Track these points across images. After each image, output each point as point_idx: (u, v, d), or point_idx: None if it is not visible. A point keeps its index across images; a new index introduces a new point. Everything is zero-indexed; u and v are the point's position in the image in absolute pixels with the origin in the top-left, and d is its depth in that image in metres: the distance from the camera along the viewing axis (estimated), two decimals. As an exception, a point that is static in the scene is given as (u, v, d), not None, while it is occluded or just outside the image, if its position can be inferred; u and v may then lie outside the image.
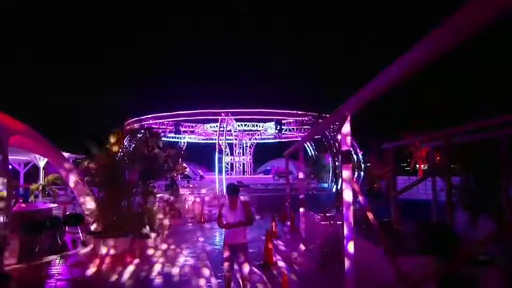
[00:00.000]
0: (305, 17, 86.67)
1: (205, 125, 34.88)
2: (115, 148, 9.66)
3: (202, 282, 6.58)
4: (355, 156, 26.50)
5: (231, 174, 34.32)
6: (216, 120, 29.84)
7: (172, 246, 9.63)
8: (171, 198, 14.67)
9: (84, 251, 9.08)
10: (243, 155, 40.06)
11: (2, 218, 6.67)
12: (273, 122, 32.23)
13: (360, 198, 4.55)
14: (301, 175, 12.12)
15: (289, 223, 12.23)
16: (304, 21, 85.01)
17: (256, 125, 35.90)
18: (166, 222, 11.45)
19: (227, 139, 31.27)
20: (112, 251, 8.53)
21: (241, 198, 5.51)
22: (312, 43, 79.58)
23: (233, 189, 5.36)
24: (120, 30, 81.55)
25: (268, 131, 35.32)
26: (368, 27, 67.06)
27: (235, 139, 37.72)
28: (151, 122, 31.35)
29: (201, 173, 38.98)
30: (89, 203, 9.95)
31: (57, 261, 8.09)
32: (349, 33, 68.34)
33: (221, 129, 28.71)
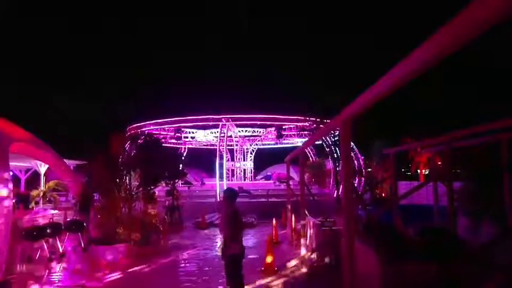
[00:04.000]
0: (304, 18, 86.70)
1: (205, 131, 34.88)
2: (116, 153, 9.66)
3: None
4: (356, 162, 26.44)
5: (232, 180, 34.17)
6: (216, 126, 29.83)
7: (174, 252, 9.58)
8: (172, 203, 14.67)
9: (84, 257, 9.04)
10: (244, 160, 39.98)
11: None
12: (273, 128, 32.23)
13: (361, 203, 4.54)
14: (302, 181, 12.07)
15: (290, 229, 12.17)
16: (303, 22, 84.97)
17: (257, 131, 35.87)
18: (167, 227, 11.41)
19: (228, 145, 31.27)
20: (113, 258, 8.49)
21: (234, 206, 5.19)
22: (313, 44, 79.53)
23: (228, 195, 5.19)
24: (119, 30, 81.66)
25: (269, 136, 35.32)
26: (370, 27, 66.87)
27: (236, 145, 37.71)
28: (152, 128, 31.37)
29: (202, 179, 38.89)
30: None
31: (58, 268, 8.06)
32: (351, 34, 68.20)
33: (222, 135, 28.72)
